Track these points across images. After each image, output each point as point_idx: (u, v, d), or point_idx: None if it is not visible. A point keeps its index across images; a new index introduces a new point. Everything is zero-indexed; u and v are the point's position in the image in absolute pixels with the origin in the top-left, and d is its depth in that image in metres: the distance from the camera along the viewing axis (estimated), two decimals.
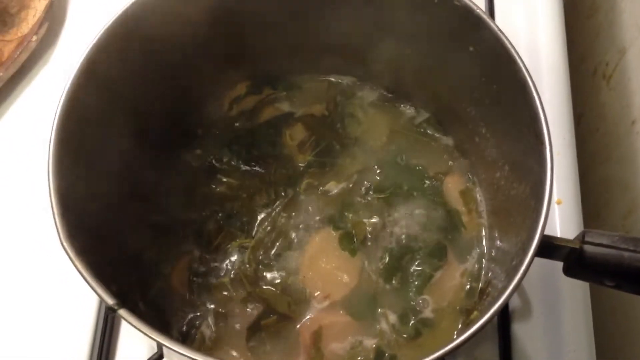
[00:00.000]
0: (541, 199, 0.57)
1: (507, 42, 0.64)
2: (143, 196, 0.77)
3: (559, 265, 0.62)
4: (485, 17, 0.66)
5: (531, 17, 1.01)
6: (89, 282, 0.55)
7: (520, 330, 0.79)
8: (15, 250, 0.87)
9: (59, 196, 0.59)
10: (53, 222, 0.58)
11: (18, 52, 0.94)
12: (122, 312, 0.55)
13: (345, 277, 0.75)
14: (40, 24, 0.96)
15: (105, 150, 0.70)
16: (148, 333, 0.54)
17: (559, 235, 0.82)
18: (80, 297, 0.81)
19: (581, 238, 0.59)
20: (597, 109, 1.14)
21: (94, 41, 0.66)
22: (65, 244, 0.57)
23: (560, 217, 0.85)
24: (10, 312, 0.83)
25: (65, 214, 0.59)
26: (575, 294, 0.80)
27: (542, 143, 0.60)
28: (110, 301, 0.55)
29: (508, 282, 0.55)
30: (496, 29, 0.65)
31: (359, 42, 0.81)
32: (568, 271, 0.62)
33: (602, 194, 1.09)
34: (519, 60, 0.63)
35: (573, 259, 0.60)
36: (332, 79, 0.88)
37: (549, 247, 0.59)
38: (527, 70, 0.63)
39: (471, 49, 0.70)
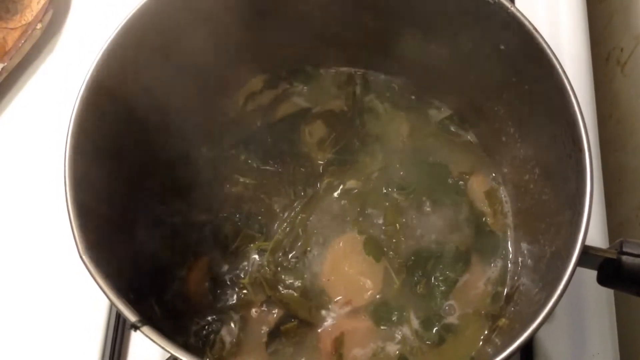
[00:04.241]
0: (580, 212, 0.55)
1: (543, 42, 0.62)
2: (157, 198, 0.75)
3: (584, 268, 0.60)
4: (520, 15, 0.63)
5: (552, 4, 0.98)
6: (111, 299, 0.53)
7: (542, 332, 0.77)
8: (23, 254, 0.85)
9: (76, 205, 0.57)
10: (65, 225, 0.57)
11: (22, 41, 0.92)
12: (145, 329, 0.53)
13: (369, 283, 0.73)
14: (44, 11, 0.94)
15: (119, 149, 0.68)
16: (171, 351, 0.52)
17: None
18: (91, 296, 0.79)
19: (619, 248, 0.57)
20: (610, 95, 1.12)
21: (111, 37, 0.64)
22: (84, 257, 0.55)
23: None
24: (21, 317, 0.82)
25: (82, 222, 0.57)
26: (599, 296, 0.79)
27: (580, 150, 0.58)
28: (132, 318, 0.53)
29: (546, 298, 0.53)
30: (531, 28, 0.62)
31: (382, 36, 0.78)
32: (603, 281, 0.60)
33: (616, 183, 1.08)
34: (556, 62, 0.60)
35: (609, 269, 0.58)
36: (352, 72, 0.85)
37: (584, 257, 0.56)
38: (564, 72, 0.60)
39: (502, 47, 0.67)
